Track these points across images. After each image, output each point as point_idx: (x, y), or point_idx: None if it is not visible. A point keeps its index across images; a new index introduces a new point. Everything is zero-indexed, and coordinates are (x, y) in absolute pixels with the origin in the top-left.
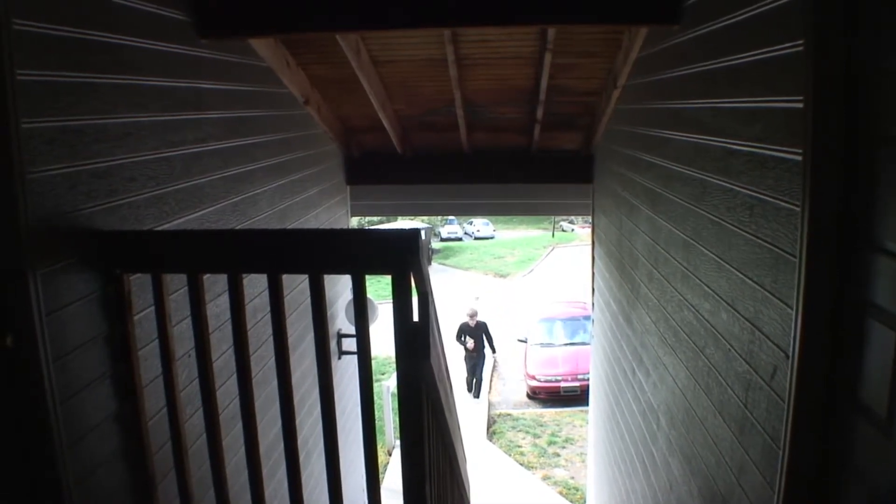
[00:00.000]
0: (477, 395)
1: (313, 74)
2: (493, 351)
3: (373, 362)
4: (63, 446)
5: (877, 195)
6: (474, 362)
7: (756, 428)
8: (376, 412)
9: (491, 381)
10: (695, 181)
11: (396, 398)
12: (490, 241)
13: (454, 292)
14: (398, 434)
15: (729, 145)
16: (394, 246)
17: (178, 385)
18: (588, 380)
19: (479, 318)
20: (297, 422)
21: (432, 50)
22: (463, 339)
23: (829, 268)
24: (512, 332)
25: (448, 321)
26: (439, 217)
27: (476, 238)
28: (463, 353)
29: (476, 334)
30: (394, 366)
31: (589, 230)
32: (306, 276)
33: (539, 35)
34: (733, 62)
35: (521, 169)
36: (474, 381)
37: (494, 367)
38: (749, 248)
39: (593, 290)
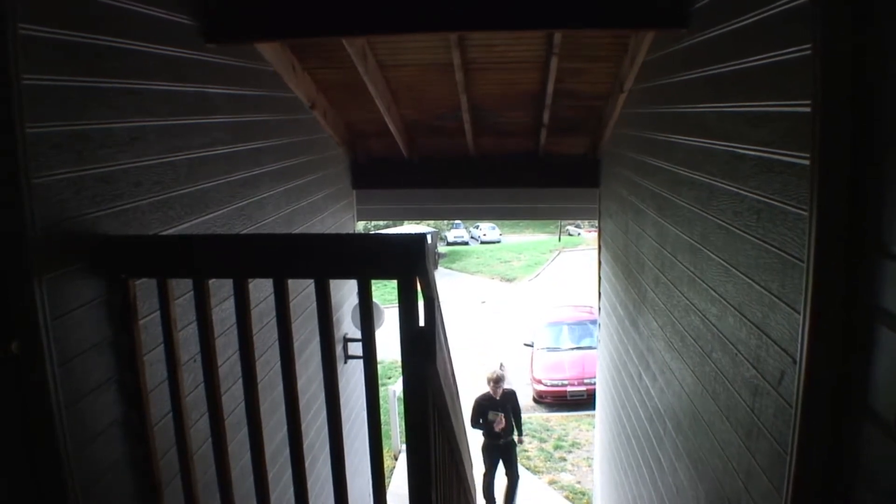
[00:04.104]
0: None
1: (320, 79)
2: (521, 434)
3: (378, 367)
4: (69, 452)
5: (885, 199)
6: (501, 454)
7: (763, 433)
8: (382, 416)
9: None
10: (702, 185)
11: (402, 402)
12: (496, 245)
13: (461, 296)
14: (404, 438)
15: (736, 149)
16: (399, 250)
17: (184, 390)
18: (595, 384)
19: (506, 383)
20: (303, 426)
21: (439, 54)
22: (482, 420)
23: (837, 273)
24: (518, 337)
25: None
26: (445, 221)
27: (482, 242)
28: (481, 440)
29: (503, 408)
30: (400, 370)
31: (595, 234)
32: (312, 280)
33: (545, 39)
34: (741, 66)
35: (528, 173)
36: None
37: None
38: (756, 253)
39: (600, 294)
